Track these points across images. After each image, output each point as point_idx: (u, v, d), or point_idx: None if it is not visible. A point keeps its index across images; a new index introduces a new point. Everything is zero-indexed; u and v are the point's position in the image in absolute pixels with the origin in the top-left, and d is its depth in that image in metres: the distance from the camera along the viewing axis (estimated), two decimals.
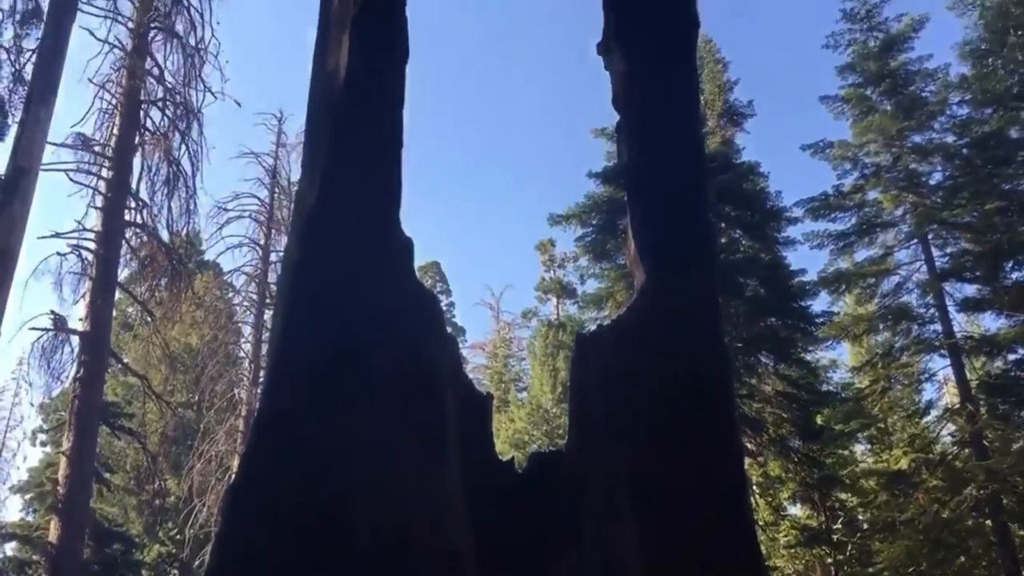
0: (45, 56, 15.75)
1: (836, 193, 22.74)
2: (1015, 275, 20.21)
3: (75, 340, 18.51)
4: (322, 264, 4.86)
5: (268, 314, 29.52)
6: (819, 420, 21.36)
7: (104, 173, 19.67)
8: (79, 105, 20.00)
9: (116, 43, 20.13)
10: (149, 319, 21.57)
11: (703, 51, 25.21)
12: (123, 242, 19.74)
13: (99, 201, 19.28)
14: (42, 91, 15.37)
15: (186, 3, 20.82)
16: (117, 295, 20.27)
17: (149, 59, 20.78)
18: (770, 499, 22.32)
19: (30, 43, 17.56)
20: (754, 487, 20.32)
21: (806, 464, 20.47)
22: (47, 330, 18.51)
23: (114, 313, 21.07)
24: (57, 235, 18.67)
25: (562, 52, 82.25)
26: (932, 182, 22.50)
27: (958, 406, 20.48)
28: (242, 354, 31.98)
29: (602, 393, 5.09)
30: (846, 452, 25.21)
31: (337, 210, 4.99)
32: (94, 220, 19.25)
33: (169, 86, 20.84)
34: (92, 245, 18.99)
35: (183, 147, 20.62)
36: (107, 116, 20.10)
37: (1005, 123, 21.08)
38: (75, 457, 17.61)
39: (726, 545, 4.65)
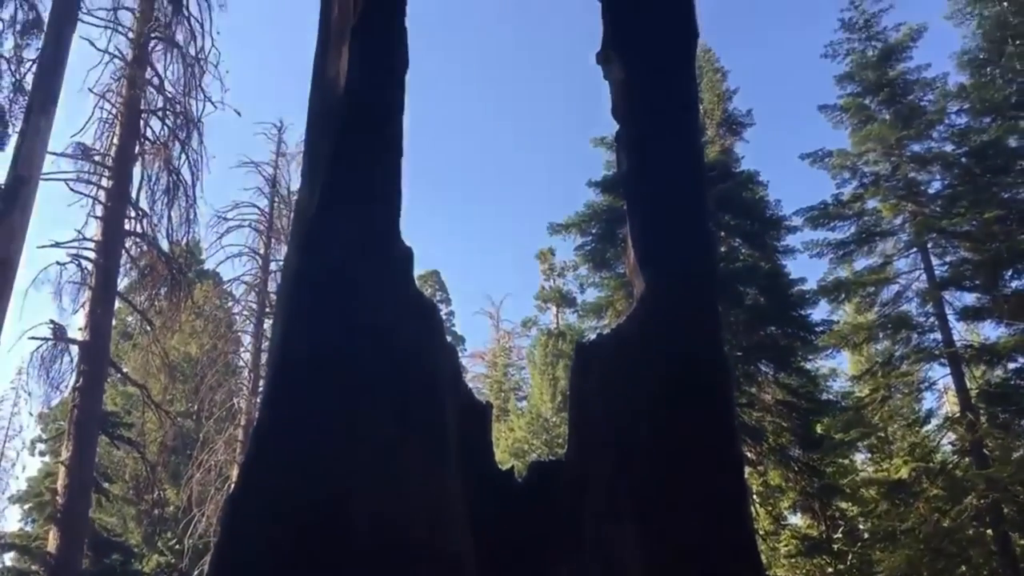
0: (45, 66, 15.78)
1: (835, 202, 22.77)
2: (1015, 284, 20.26)
3: (74, 349, 18.48)
4: (322, 273, 4.86)
5: (268, 323, 29.50)
6: (819, 429, 21.34)
7: (104, 183, 19.68)
8: (79, 115, 20.04)
9: (116, 53, 20.17)
10: (149, 328, 21.54)
11: (702, 60, 25.28)
12: (123, 251, 19.74)
13: (99, 211, 19.29)
14: (42, 101, 15.41)
15: (186, 13, 20.87)
16: (117, 304, 20.28)
17: (149, 69, 20.81)
18: (770, 508, 22.29)
19: (30, 53, 17.60)
20: (754, 496, 20.29)
21: (806, 473, 20.44)
22: (46, 340, 18.49)
23: (113, 322, 21.06)
24: (57, 244, 18.67)
25: (562, 61, 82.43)
26: (931, 191, 22.60)
27: (958, 415, 20.48)
28: (242, 363, 31.93)
29: (602, 402, 5.09)
30: (846, 461, 25.19)
31: (337, 219, 4.99)
32: (94, 229, 19.25)
33: (169, 96, 20.87)
34: (92, 254, 18.99)
35: (183, 157, 20.65)
36: (107, 126, 20.14)
37: (1004, 132, 21.14)
38: (74, 467, 17.57)
39: (727, 554, 4.64)
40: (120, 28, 20.17)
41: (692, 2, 6.08)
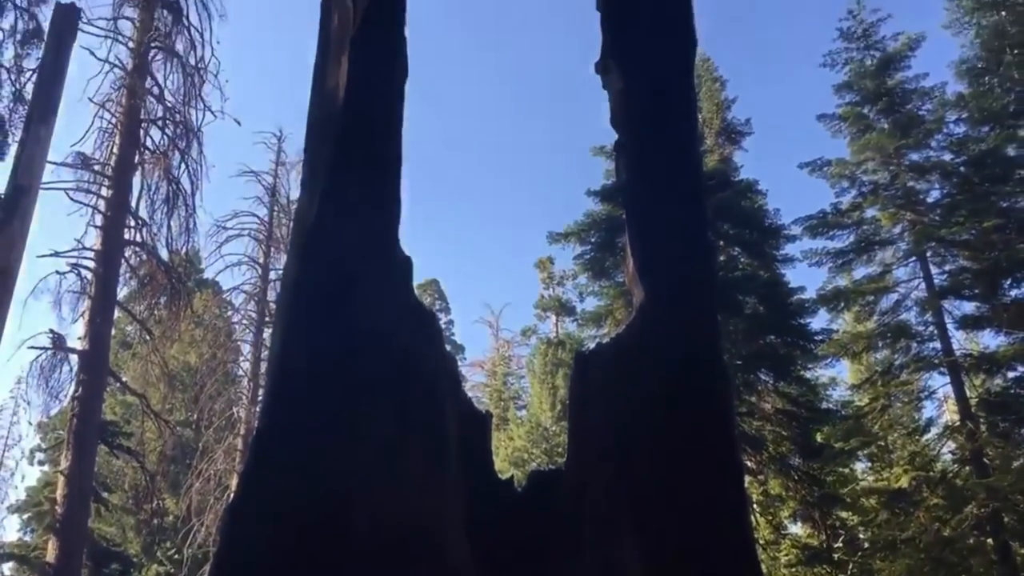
0: (46, 76, 15.82)
1: (834, 211, 22.79)
2: (1014, 292, 20.26)
3: (74, 359, 18.48)
4: (321, 282, 4.87)
5: (267, 332, 29.50)
6: (819, 438, 21.32)
7: (104, 192, 19.71)
8: (79, 124, 20.09)
9: (116, 63, 20.23)
10: (148, 338, 21.53)
11: (701, 69, 25.37)
12: (122, 261, 19.75)
13: (98, 220, 19.31)
14: (42, 110, 15.44)
15: (186, 23, 20.95)
16: (116, 314, 20.27)
17: (149, 78, 20.86)
18: (770, 518, 22.25)
19: (31, 63, 17.69)
20: (754, 505, 20.25)
21: (806, 482, 20.41)
22: (46, 349, 18.49)
23: (113, 332, 21.06)
24: (56, 254, 18.68)
25: (561, 71, 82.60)
26: (930, 200, 22.61)
27: (958, 424, 20.44)
28: (241, 372, 31.92)
29: (602, 410, 5.09)
30: (846, 470, 25.14)
31: (336, 228, 5.00)
32: (93, 239, 19.26)
33: (169, 105, 20.93)
34: (91, 264, 19.00)
35: (183, 166, 20.69)
36: (107, 135, 20.17)
37: (1002, 141, 21.16)
38: (73, 476, 17.54)
39: (727, 564, 4.63)
40: (120, 38, 20.28)
41: (691, 11, 6.10)
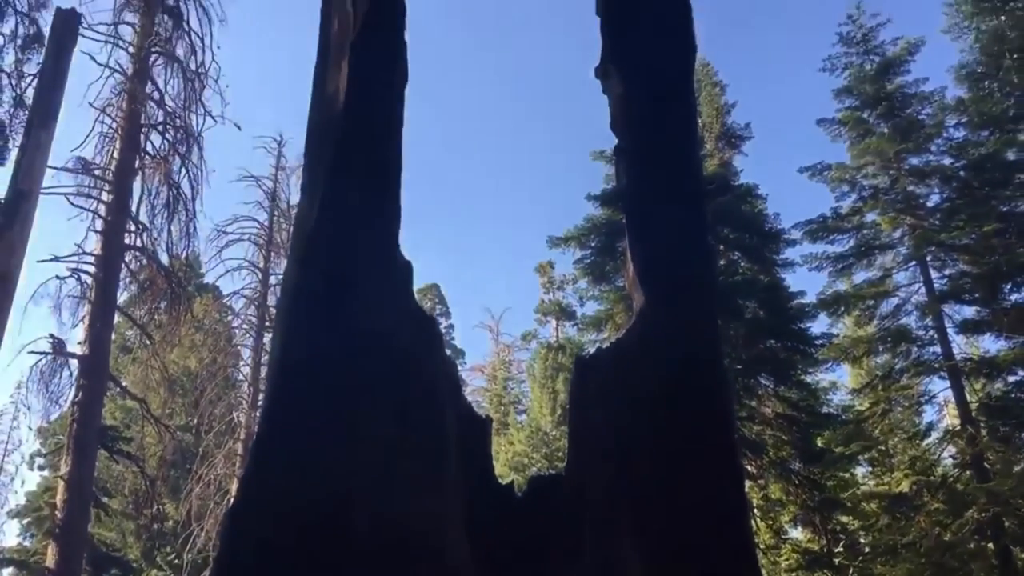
0: (46, 80, 15.83)
1: (834, 215, 22.79)
2: (1014, 297, 20.25)
3: (74, 364, 18.45)
4: (321, 286, 4.87)
5: (267, 337, 29.48)
6: (819, 442, 21.29)
7: (104, 197, 19.69)
8: (80, 129, 20.15)
9: (117, 67, 20.22)
10: (148, 342, 21.52)
11: (701, 74, 25.40)
12: (123, 265, 19.73)
13: (99, 224, 19.29)
14: (43, 115, 15.45)
15: (187, 28, 20.97)
16: (116, 318, 20.24)
17: (150, 83, 20.86)
18: (771, 522, 22.22)
19: (31, 68, 17.67)
20: (755, 510, 20.24)
21: (807, 487, 20.39)
22: (46, 354, 18.46)
23: (113, 336, 21.05)
24: (56, 259, 18.66)
25: (562, 74, 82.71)
26: (930, 204, 22.62)
27: (959, 428, 20.44)
28: (241, 377, 31.92)
29: (601, 415, 5.09)
30: (847, 475, 25.13)
31: (337, 233, 5.01)
32: (94, 244, 19.25)
33: (169, 110, 20.92)
34: (91, 268, 18.98)
35: (183, 171, 20.67)
36: (107, 140, 20.16)
37: (1002, 145, 21.17)
38: (73, 481, 17.52)
39: (727, 564, 4.63)
40: (121, 43, 20.27)
41: (690, 17, 6.12)
